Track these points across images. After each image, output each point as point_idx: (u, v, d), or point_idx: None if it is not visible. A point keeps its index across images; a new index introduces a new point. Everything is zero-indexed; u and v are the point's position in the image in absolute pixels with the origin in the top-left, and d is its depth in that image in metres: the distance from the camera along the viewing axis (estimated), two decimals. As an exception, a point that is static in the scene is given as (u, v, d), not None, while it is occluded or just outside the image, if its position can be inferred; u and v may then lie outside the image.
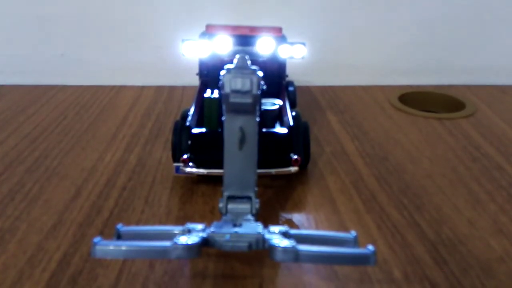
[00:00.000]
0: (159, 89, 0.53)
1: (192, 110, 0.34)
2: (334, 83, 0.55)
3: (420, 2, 0.54)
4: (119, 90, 0.52)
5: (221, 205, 0.25)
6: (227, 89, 0.24)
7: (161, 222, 0.29)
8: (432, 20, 0.55)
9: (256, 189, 0.25)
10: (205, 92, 0.36)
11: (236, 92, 0.24)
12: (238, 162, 0.25)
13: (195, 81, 0.41)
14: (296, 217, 0.30)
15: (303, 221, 0.30)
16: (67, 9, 0.52)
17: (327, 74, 0.56)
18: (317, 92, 0.53)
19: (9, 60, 0.54)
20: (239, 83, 0.24)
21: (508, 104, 0.50)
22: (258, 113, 0.25)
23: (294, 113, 0.35)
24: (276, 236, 0.20)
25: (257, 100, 0.24)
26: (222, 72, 0.24)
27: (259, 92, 0.24)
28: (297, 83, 0.51)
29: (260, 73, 0.24)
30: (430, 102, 0.53)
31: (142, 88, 0.53)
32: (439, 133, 0.43)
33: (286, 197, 0.32)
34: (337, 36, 0.55)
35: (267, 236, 0.20)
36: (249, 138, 0.25)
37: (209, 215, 0.30)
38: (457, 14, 0.55)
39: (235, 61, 0.24)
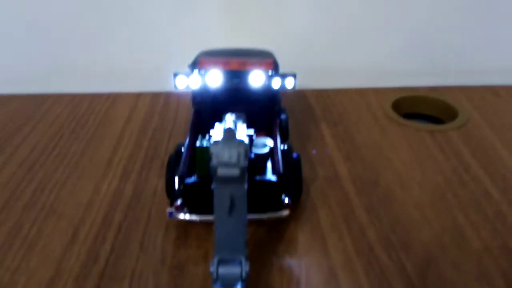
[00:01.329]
0: (155, 96, 0.51)
1: (185, 146, 0.33)
2: (329, 86, 0.53)
3: (414, 5, 0.51)
4: (115, 98, 0.51)
5: (212, 269, 0.25)
6: (214, 162, 0.23)
7: (155, 273, 0.28)
8: (426, 22, 0.52)
9: (246, 251, 0.25)
10: (198, 126, 0.35)
11: (224, 164, 0.23)
12: (228, 226, 0.24)
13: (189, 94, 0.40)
14: (287, 262, 0.30)
15: (294, 267, 0.29)
16: (60, 14, 0.49)
17: (322, 77, 0.53)
18: (312, 97, 0.51)
19: (4, 69, 0.52)
20: (226, 157, 0.23)
21: (500, 110, 0.48)
22: (246, 181, 0.24)
23: (286, 147, 0.34)
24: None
25: (244, 171, 0.23)
26: (212, 134, 0.23)
27: (246, 164, 0.23)
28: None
29: (246, 142, 0.23)
30: (424, 107, 0.51)
31: (138, 95, 0.51)
32: (430, 150, 0.41)
33: (278, 236, 0.32)
34: (332, 39, 0.52)
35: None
36: (239, 204, 0.24)
37: (203, 263, 0.29)
38: (451, 16, 0.52)
39: (223, 128, 0.23)
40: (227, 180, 0.23)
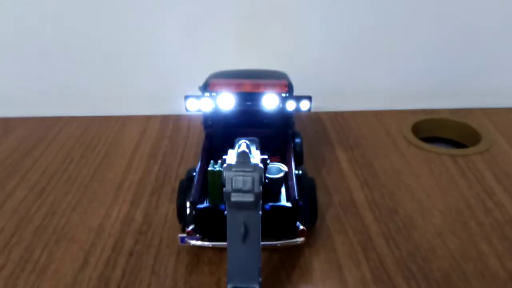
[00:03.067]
0: (165, 119, 0.53)
1: (196, 171, 0.34)
2: (344, 108, 0.55)
3: (434, 25, 0.52)
4: (124, 121, 0.53)
5: (225, 296, 0.26)
6: (228, 188, 0.24)
7: (167, 300, 0.30)
8: (447, 42, 0.53)
9: (260, 279, 0.26)
10: (209, 150, 0.37)
11: (238, 191, 0.24)
12: (242, 254, 0.26)
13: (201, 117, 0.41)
14: (302, 290, 0.31)
15: (309, 296, 0.30)
16: (71, 39, 0.52)
17: (337, 99, 0.55)
18: (327, 120, 0.53)
19: (16, 93, 0.55)
20: (240, 182, 0.24)
21: (526, 133, 0.50)
22: (260, 207, 0.25)
23: (300, 172, 0.35)
24: None
25: (259, 197, 0.24)
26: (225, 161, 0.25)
27: (261, 189, 0.24)
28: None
29: (260, 166, 0.25)
30: (445, 130, 0.52)
31: (148, 118, 0.54)
32: (451, 175, 0.42)
33: (292, 263, 0.33)
34: (348, 59, 0.54)
35: None
36: (252, 231, 0.25)
37: (215, 289, 0.31)
38: (473, 36, 0.53)
39: (237, 152, 0.25)
40: (241, 206, 0.25)
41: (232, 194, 0.24)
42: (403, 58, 0.54)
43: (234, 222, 0.25)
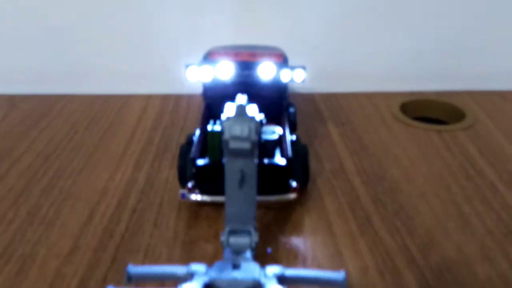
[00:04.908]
0: (165, 98, 0.55)
1: (196, 135, 0.36)
2: (337, 89, 0.57)
3: (423, 10, 0.55)
4: (127, 100, 0.55)
5: (223, 238, 0.28)
6: (226, 135, 0.26)
7: (168, 247, 0.32)
8: (435, 27, 0.56)
9: (255, 223, 0.28)
10: (208, 117, 0.39)
11: (236, 138, 0.26)
12: (239, 199, 0.27)
13: (200, 89, 0.43)
14: (294, 241, 0.32)
15: (300, 245, 0.32)
16: (74, 19, 0.54)
17: (331, 81, 0.57)
18: (320, 100, 0.55)
19: (20, 70, 0.56)
20: (238, 130, 0.26)
21: (508, 113, 0.52)
22: (256, 156, 0.27)
23: (294, 138, 0.37)
24: (271, 282, 0.23)
25: (255, 145, 0.26)
26: (223, 116, 0.27)
27: (257, 138, 0.26)
28: (301, 90, 0.53)
29: (259, 118, 0.27)
30: (432, 110, 0.54)
31: (149, 97, 0.55)
32: (437, 148, 0.44)
33: (285, 219, 0.35)
34: (341, 43, 0.56)
35: (263, 280, 0.23)
36: (249, 178, 0.27)
37: (213, 240, 0.32)
38: (460, 21, 0.56)
39: (235, 107, 0.27)
40: (238, 153, 0.26)
41: (230, 141, 0.26)
42: (393, 42, 0.57)
43: (232, 169, 0.27)
